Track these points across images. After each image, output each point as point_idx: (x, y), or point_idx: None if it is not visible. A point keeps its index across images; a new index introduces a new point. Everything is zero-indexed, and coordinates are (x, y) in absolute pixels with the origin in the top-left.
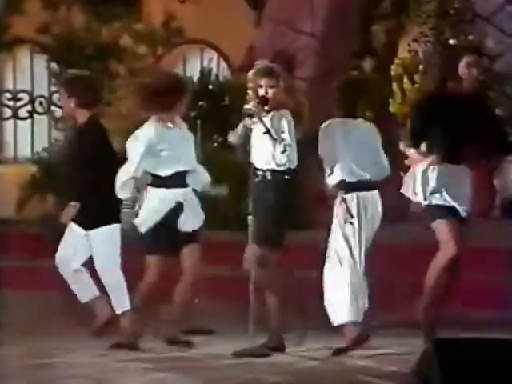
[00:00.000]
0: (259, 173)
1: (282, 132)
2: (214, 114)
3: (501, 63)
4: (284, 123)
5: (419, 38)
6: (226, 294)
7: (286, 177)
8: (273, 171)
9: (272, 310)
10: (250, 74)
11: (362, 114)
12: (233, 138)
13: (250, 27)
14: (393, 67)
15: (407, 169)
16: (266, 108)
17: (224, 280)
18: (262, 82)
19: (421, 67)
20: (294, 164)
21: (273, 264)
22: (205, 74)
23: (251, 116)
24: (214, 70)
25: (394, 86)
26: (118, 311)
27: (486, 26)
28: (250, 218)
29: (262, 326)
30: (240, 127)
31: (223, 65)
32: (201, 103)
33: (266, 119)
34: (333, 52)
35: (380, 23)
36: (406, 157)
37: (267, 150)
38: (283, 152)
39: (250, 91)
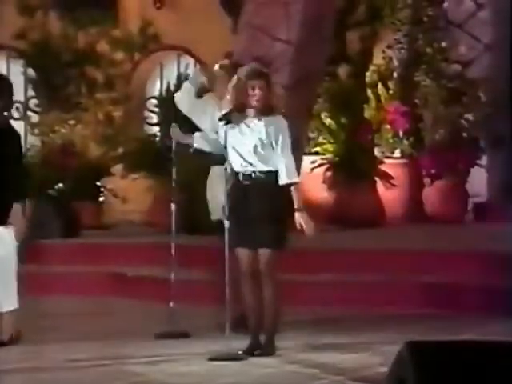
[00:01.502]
0: (245, 175)
1: (276, 142)
2: (190, 119)
3: (473, 69)
4: (279, 134)
5: (393, 44)
6: (202, 296)
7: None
8: (268, 172)
9: (268, 314)
10: (238, 76)
11: (337, 119)
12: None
13: (227, 33)
14: (368, 74)
15: (383, 175)
16: (252, 112)
17: (200, 282)
18: (252, 84)
19: (395, 74)
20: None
21: (274, 268)
22: (181, 79)
23: (228, 122)
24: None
25: (369, 92)
26: (5, 309)
27: (458, 32)
28: (226, 222)
29: (240, 330)
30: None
31: None
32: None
33: (258, 125)
34: (308, 59)
35: (355, 30)
36: (381, 162)
37: (255, 150)
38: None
39: (229, 96)
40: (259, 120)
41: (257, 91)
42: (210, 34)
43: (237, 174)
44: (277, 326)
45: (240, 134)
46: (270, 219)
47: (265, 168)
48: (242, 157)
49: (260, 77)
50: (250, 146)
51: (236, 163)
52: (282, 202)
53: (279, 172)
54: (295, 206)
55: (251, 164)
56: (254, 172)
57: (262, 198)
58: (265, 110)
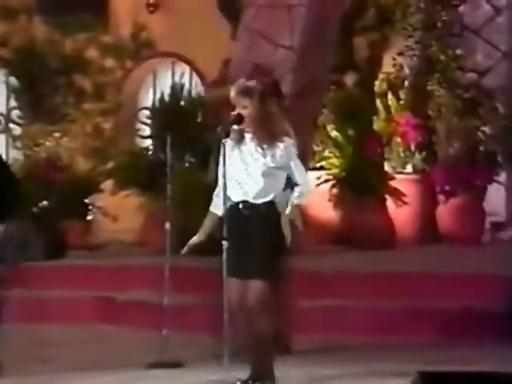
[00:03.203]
0: (244, 204)
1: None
2: (186, 131)
3: (490, 78)
4: (289, 161)
5: (405, 51)
6: (198, 323)
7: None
8: (270, 202)
9: (264, 346)
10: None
11: (343, 132)
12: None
13: (226, 40)
14: (376, 82)
15: (394, 191)
16: (243, 127)
17: (195, 308)
18: (237, 101)
19: (406, 83)
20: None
21: (265, 304)
22: (176, 89)
23: (227, 134)
24: (186, 85)
25: (378, 102)
26: None
27: (474, 38)
28: (224, 243)
29: (238, 359)
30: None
31: (196, 79)
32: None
33: (261, 156)
34: (312, 66)
35: (363, 36)
36: (391, 178)
37: (263, 181)
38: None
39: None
40: (261, 151)
41: (244, 111)
42: (207, 39)
43: (235, 202)
44: (273, 356)
45: (241, 161)
46: (267, 250)
47: (267, 199)
48: (242, 187)
49: (247, 94)
50: (254, 177)
51: (235, 192)
52: (281, 234)
53: (296, 193)
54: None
55: (253, 197)
56: (253, 203)
57: (261, 230)
58: (260, 134)
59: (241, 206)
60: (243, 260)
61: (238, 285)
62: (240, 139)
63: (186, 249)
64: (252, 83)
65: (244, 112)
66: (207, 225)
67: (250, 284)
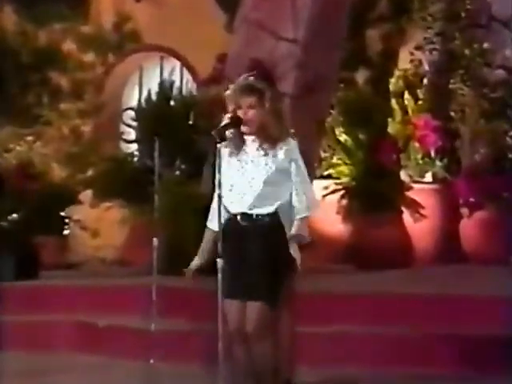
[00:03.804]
0: (244, 215)
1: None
2: (177, 135)
3: None
4: (290, 163)
5: (424, 45)
6: (189, 352)
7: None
8: (273, 214)
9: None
10: (229, 92)
11: (354, 136)
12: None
13: (221, 32)
14: (392, 80)
15: (411, 203)
16: (247, 130)
17: (186, 335)
18: (240, 102)
19: (425, 80)
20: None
21: (265, 329)
22: (165, 87)
23: (222, 139)
24: (177, 83)
25: (393, 102)
26: None
27: (504, 31)
28: (219, 261)
29: None
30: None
31: (187, 76)
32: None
33: (262, 161)
34: (318, 62)
35: (376, 27)
36: (409, 188)
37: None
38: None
39: (228, 113)
40: (264, 155)
41: (247, 111)
42: (199, 31)
43: (234, 213)
44: None
45: (241, 168)
46: (269, 268)
47: (269, 209)
48: (241, 197)
49: (250, 93)
50: (254, 185)
51: (233, 203)
52: (286, 249)
53: (295, 204)
54: (291, 232)
55: (253, 205)
56: (253, 214)
57: (263, 244)
58: (264, 136)
59: (239, 217)
60: (242, 279)
61: (236, 307)
62: (239, 143)
63: (189, 274)
64: (256, 80)
65: (250, 112)
66: (207, 245)
67: (249, 306)
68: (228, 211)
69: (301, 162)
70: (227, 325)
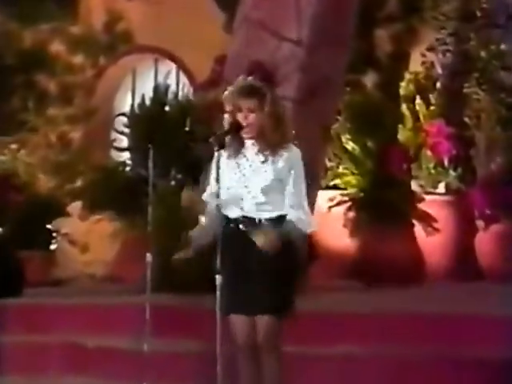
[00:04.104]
0: (245, 220)
1: (281, 179)
2: (172, 143)
3: None
4: (289, 172)
5: (436, 46)
6: (184, 374)
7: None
8: (277, 218)
9: None
10: (227, 93)
11: (362, 144)
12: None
13: (219, 32)
14: (402, 84)
15: (423, 216)
16: (247, 135)
17: (182, 357)
18: (239, 104)
19: (438, 84)
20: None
21: (276, 342)
22: (160, 91)
23: (221, 146)
24: (172, 87)
25: (404, 107)
26: None
27: None
28: (217, 277)
29: None
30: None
31: (184, 80)
32: None
33: (262, 167)
34: (324, 64)
35: (385, 27)
36: (420, 200)
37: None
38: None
39: (225, 116)
40: (263, 161)
41: (248, 115)
42: (196, 32)
43: (234, 220)
44: None
45: (240, 174)
46: (275, 279)
47: (273, 214)
48: (239, 202)
49: (251, 95)
50: (254, 190)
51: (234, 208)
52: (292, 256)
53: (289, 217)
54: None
55: (254, 210)
56: (256, 218)
57: (266, 251)
58: (264, 142)
59: (240, 222)
60: (247, 292)
61: (244, 321)
62: (238, 147)
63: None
64: (254, 81)
65: (250, 116)
66: (201, 232)
67: (258, 320)
68: (227, 217)
69: (300, 173)
70: (233, 341)
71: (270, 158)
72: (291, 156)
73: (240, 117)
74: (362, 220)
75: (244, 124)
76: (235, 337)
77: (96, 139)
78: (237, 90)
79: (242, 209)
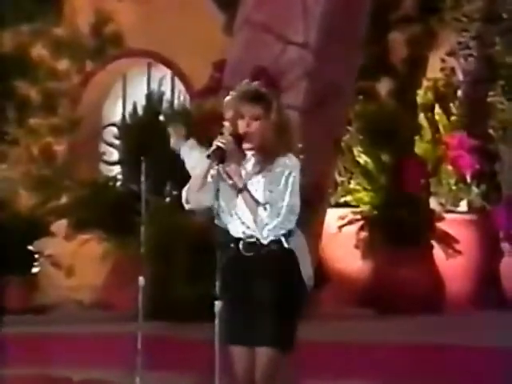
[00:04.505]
0: (247, 243)
1: (271, 191)
2: (167, 155)
3: None
4: (282, 179)
5: (457, 50)
6: None
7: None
8: (281, 241)
9: None
10: (229, 98)
11: (375, 157)
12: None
13: (218, 35)
14: (419, 92)
15: (443, 236)
16: (248, 146)
17: None
18: (243, 111)
19: (459, 92)
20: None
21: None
22: (153, 99)
23: (221, 160)
24: (167, 95)
25: (422, 117)
26: None
27: None
28: (216, 303)
29: None
30: (198, 175)
31: (180, 87)
32: None
33: (262, 183)
34: (333, 70)
35: (401, 30)
36: (440, 219)
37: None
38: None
39: (226, 123)
40: (258, 172)
41: (250, 122)
42: (193, 35)
43: (236, 239)
44: None
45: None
46: (279, 308)
47: (276, 234)
48: (242, 222)
49: (256, 102)
50: (254, 208)
51: (234, 228)
52: (297, 283)
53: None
54: None
55: (253, 231)
56: (259, 240)
57: (270, 277)
58: (264, 153)
59: (241, 246)
60: (248, 321)
61: (244, 354)
62: (238, 160)
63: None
64: (259, 87)
65: (253, 124)
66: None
67: (258, 353)
68: (228, 235)
69: (294, 181)
70: (234, 374)
71: (266, 168)
72: (289, 164)
73: (241, 125)
74: (376, 241)
75: (245, 132)
76: (235, 370)
77: (83, 152)
78: (240, 94)
79: (243, 229)
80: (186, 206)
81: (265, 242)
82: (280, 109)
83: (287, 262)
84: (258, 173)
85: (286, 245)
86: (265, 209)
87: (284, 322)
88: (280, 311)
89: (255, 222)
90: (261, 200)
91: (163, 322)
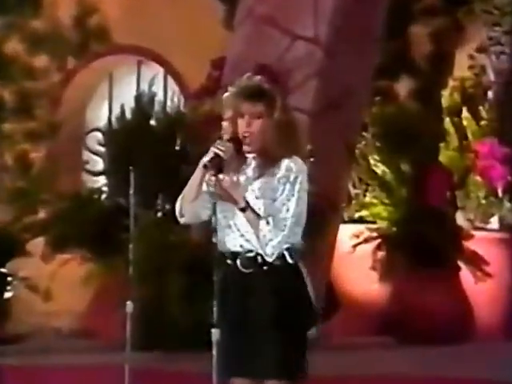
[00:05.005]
0: (245, 258)
1: (274, 200)
2: (158, 164)
3: None
4: (286, 185)
5: (487, 46)
6: None
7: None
8: (283, 255)
9: None
10: (228, 95)
11: (394, 166)
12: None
13: (217, 30)
14: (444, 93)
15: (471, 257)
16: (249, 149)
17: None
18: (242, 109)
19: (490, 93)
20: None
21: None
22: (143, 101)
23: (219, 170)
24: (159, 96)
25: (447, 122)
26: None
27: None
28: (214, 331)
29: None
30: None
31: (173, 87)
32: None
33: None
34: (346, 68)
35: (424, 23)
36: (468, 237)
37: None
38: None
39: (224, 123)
40: (257, 177)
41: (251, 121)
42: (189, 29)
43: (232, 255)
44: None
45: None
46: (284, 332)
47: (281, 248)
48: (241, 235)
49: (258, 99)
50: (254, 221)
51: (232, 241)
52: (302, 304)
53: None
54: None
55: (254, 245)
56: (259, 255)
57: (272, 297)
58: (266, 156)
59: (239, 263)
60: (250, 351)
61: None
62: (237, 165)
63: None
64: (264, 84)
65: (254, 123)
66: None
67: None
68: (226, 252)
69: (301, 187)
70: None
71: (267, 172)
72: (294, 167)
73: (241, 124)
74: (395, 261)
75: (245, 133)
76: None
77: (63, 160)
78: (239, 91)
79: (241, 243)
80: (181, 220)
81: (269, 259)
82: (284, 106)
83: (292, 279)
84: (259, 177)
85: (289, 260)
86: (267, 222)
87: (291, 349)
88: (285, 336)
89: (257, 237)
90: (262, 209)
91: (154, 352)
